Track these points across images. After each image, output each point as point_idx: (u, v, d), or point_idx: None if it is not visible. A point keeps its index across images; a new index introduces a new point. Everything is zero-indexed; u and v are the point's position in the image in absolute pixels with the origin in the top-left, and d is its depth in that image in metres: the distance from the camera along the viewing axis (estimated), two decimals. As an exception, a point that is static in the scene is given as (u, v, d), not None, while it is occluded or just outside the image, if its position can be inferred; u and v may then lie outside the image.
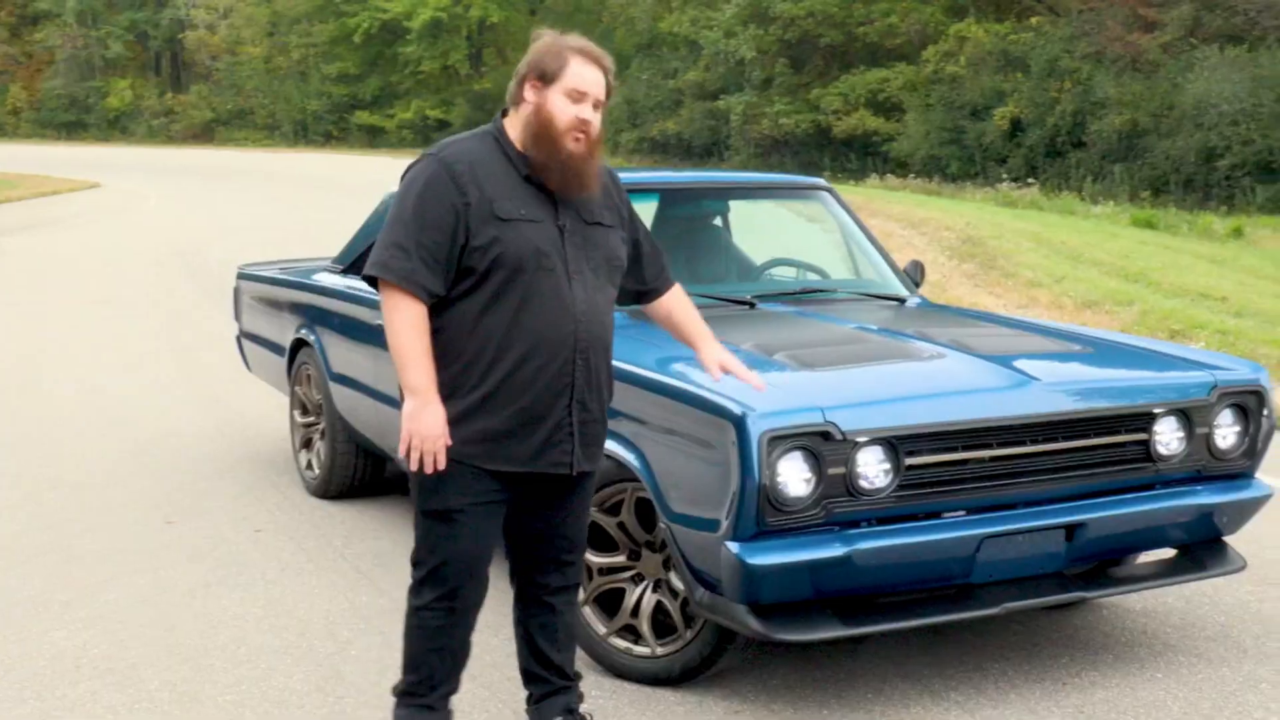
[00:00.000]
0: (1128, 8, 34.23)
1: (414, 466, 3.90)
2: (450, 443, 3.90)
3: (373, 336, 6.62)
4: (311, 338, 7.37)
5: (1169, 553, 5.26)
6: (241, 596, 5.92)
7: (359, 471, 7.30)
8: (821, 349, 5.06)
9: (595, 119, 3.95)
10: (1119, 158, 31.42)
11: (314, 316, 7.40)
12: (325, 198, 32.01)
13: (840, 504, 4.45)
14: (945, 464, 4.59)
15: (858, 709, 4.75)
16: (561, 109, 3.90)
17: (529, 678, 4.33)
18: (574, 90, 3.91)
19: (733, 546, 4.34)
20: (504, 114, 4.07)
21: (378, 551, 6.52)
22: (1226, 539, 5.22)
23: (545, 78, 3.93)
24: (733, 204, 6.75)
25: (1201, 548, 5.17)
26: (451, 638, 4.14)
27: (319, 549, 6.56)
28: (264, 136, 69.02)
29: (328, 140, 65.77)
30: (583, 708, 4.34)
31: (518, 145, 3.98)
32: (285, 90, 68.53)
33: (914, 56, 40.51)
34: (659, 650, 4.93)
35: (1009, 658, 5.19)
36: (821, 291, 6.35)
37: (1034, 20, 37.36)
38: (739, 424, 4.32)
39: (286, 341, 7.75)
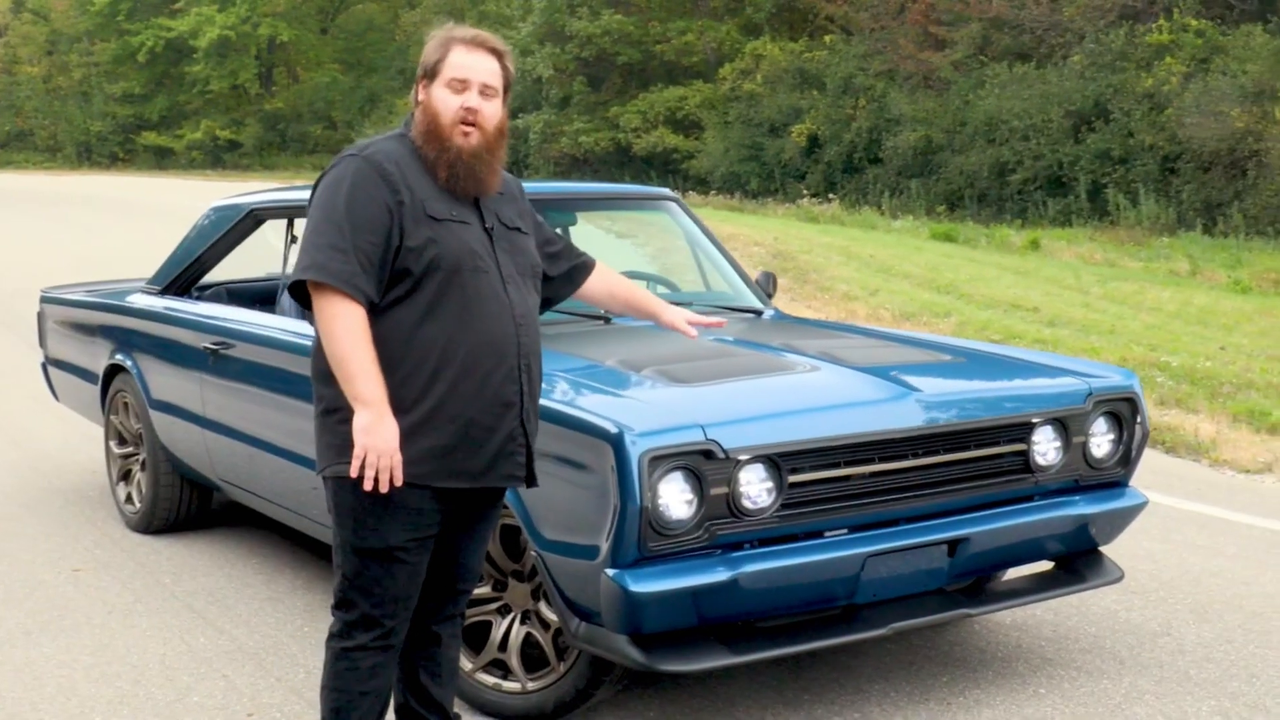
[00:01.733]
0: (918, 26, 34.79)
1: (368, 486, 3.54)
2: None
3: (198, 361, 6.25)
4: (128, 363, 6.93)
5: (1045, 566, 5.15)
6: (67, 643, 5.49)
7: (184, 504, 6.87)
8: (690, 364, 4.84)
9: (486, 107, 3.72)
10: (915, 173, 31.82)
11: (130, 341, 6.96)
12: (118, 220, 30.88)
13: (723, 525, 4.24)
14: (827, 481, 4.41)
15: (741, 739, 4.54)
16: (443, 102, 3.70)
17: (405, 715, 4.02)
18: (454, 80, 3.70)
19: (613, 574, 4.09)
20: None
21: (211, 589, 6.12)
22: (1103, 549, 5.14)
23: (430, 73, 3.73)
24: (579, 215, 6.49)
25: (1079, 559, 5.07)
26: (383, 677, 3.83)
27: (147, 588, 6.14)
28: (45, 159, 66.49)
29: (114, 162, 63.63)
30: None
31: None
32: (67, 111, 66.16)
33: (711, 74, 40.67)
34: (530, 685, 4.66)
35: (888, 678, 5.02)
36: (676, 304, 6.11)
37: (828, 39, 37.68)
38: (617, 444, 4.08)
39: (99, 368, 7.27)
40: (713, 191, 35.66)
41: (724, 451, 4.18)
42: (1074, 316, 14.08)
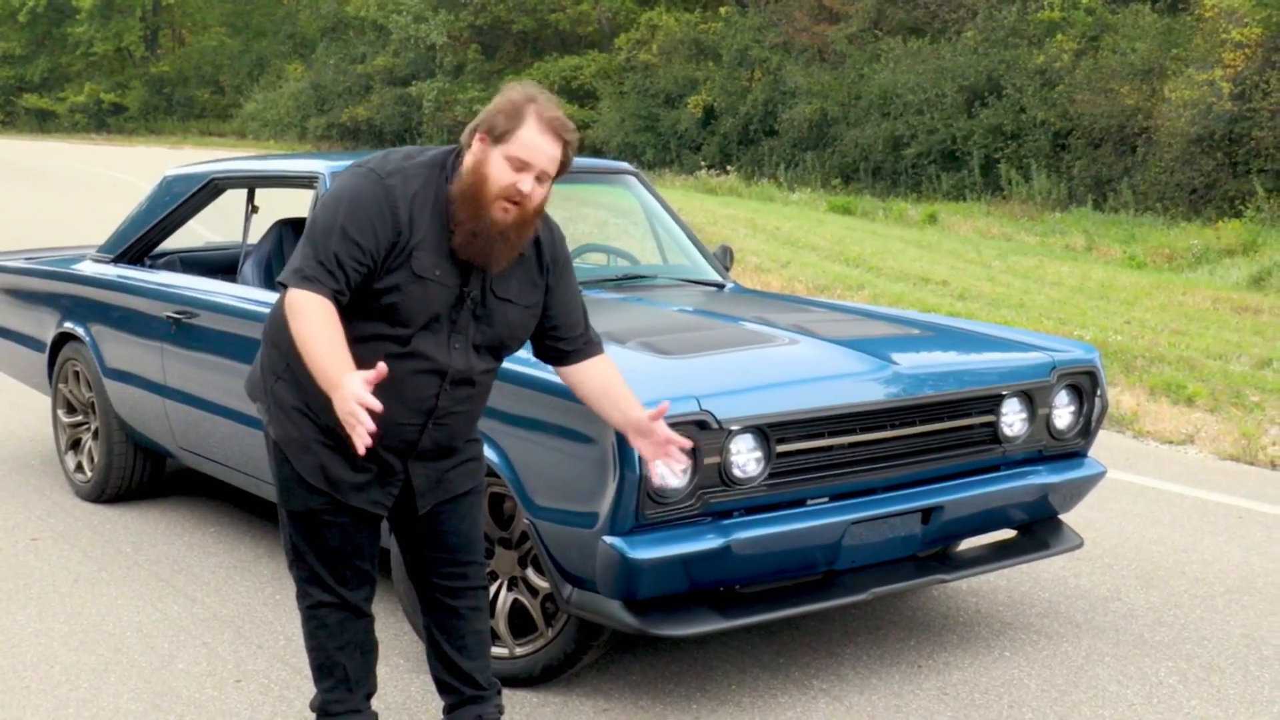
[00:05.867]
0: (813, -1, 35.12)
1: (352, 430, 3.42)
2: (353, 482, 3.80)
3: (159, 330, 6.25)
4: (80, 331, 6.89)
5: (1008, 534, 5.33)
6: (38, 611, 5.49)
7: (138, 472, 6.85)
8: (671, 336, 4.95)
9: (537, 191, 3.63)
10: (810, 146, 32.09)
11: (83, 310, 6.92)
12: (7, 186, 30.30)
13: (714, 494, 4.37)
14: (812, 450, 4.55)
15: (725, 701, 4.68)
16: (499, 173, 3.58)
17: (441, 687, 4.13)
18: (517, 158, 3.58)
19: (612, 541, 4.20)
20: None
21: (174, 557, 6.14)
22: (1062, 517, 5.34)
23: (494, 134, 3.59)
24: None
25: (1042, 527, 5.27)
26: (354, 633, 3.98)
27: (109, 557, 6.14)
28: (-81, 121, 65.17)
29: (-7, 124, 62.57)
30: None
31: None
32: (-58, 71, 64.84)
33: (606, 44, 40.74)
34: (518, 651, 4.76)
35: (857, 643, 5.19)
36: (641, 278, 6.25)
37: (723, 10, 37.85)
38: (617, 415, 4.18)
39: (47, 337, 7.22)
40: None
41: (717, 422, 4.30)
42: (982, 290, 14.37)
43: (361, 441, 3.36)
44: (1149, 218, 22.60)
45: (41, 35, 61.51)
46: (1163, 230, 21.05)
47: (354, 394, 3.36)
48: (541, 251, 3.86)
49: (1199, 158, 22.72)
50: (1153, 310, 13.64)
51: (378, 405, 3.37)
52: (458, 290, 3.69)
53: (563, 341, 3.97)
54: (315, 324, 3.52)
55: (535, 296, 3.85)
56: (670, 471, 4.20)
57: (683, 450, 3.91)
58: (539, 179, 3.63)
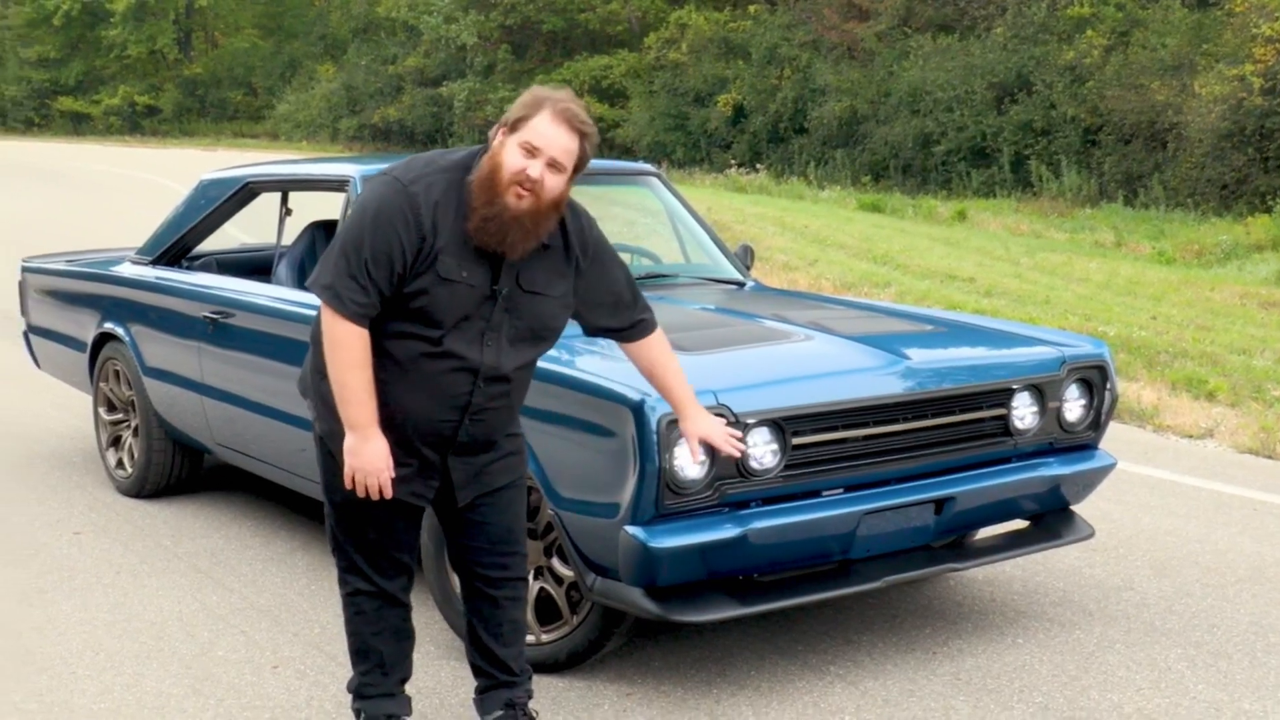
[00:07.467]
0: (843, -3, 35.21)
1: (360, 494, 3.90)
2: (394, 474, 3.91)
3: (197, 329, 6.44)
4: (120, 331, 7.09)
5: (1020, 524, 5.48)
6: (82, 601, 5.69)
7: (176, 468, 7.06)
8: (691, 333, 5.11)
9: (548, 179, 3.75)
10: (840, 143, 32.20)
11: (123, 310, 7.11)
12: (42, 188, 30.65)
13: (731, 485, 4.52)
14: (827, 443, 4.70)
15: (744, 686, 4.83)
16: (511, 159, 3.74)
17: (475, 670, 4.30)
18: (529, 144, 3.73)
19: (633, 531, 4.36)
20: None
21: (211, 550, 6.33)
22: (1074, 508, 5.47)
23: (511, 125, 3.77)
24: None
25: (1053, 517, 5.41)
26: (391, 620, 4.17)
27: (149, 550, 6.34)
28: (-43, 124, 65.76)
29: (29, 127, 62.80)
30: (531, 704, 4.32)
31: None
32: (-21, 75, 65.43)
33: (636, 44, 40.91)
34: (544, 637, 4.92)
35: (873, 630, 5.34)
36: (663, 276, 6.41)
37: (752, 8, 38.01)
38: (637, 410, 4.34)
39: (88, 337, 7.43)
40: (639, 161, 35.84)
41: (734, 415, 4.46)
42: (1008, 287, 14.47)
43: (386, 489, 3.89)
44: (1179, 213, 22.64)
45: (76, 39, 62.04)
46: (1193, 226, 21.11)
47: (378, 467, 3.85)
48: (569, 242, 4.00)
49: (1230, 153, 22.74)
50: (1179, 306, 13.73)
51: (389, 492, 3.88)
52: (487, 289, 3.84)
53: (612, 324, 4.19)
54: (353, 364, 3.77)
55: (564, 286, 4.00)
56: (689, 459, 4.36)
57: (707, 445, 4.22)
58: (551, 166, 3.75)
